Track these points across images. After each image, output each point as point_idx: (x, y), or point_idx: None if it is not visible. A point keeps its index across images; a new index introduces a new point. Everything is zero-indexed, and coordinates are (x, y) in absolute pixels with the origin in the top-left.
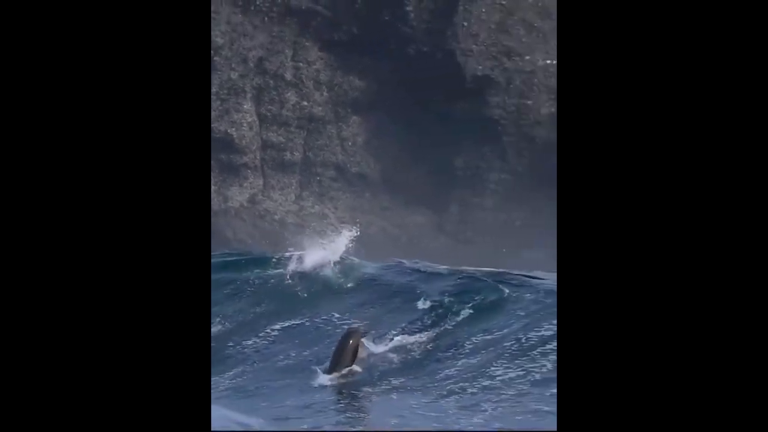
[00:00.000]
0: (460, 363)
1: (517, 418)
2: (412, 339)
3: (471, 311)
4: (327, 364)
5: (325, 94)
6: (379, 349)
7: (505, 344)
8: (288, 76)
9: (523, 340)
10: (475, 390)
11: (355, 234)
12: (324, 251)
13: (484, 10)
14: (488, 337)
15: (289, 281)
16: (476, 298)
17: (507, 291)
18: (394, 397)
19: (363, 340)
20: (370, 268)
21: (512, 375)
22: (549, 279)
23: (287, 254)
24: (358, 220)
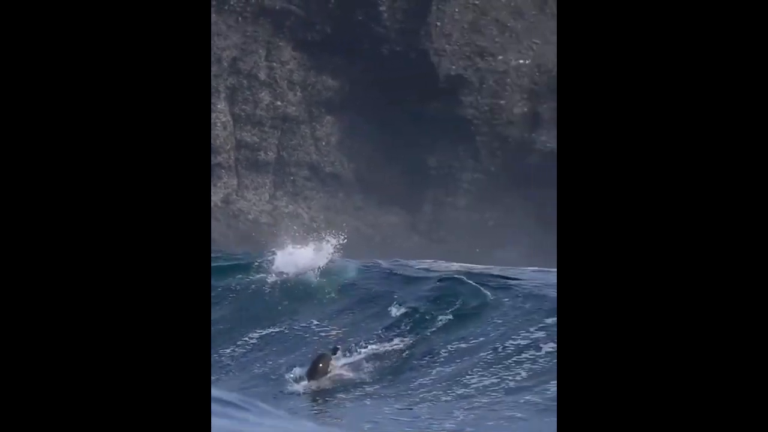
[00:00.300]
0: (434, 371)
1: (488, 423)
2: (388, 346)
3: (449, 317)
4: (301, 370)
5: (298, 93)
6: (355, 357)
7: (481, 353)
8: (262, 75)
9: (500, 349)
10: (448, 398)
11: (342, 241)
12: (308, 256)
13: (457, 10)
14: (464, 345)
15: (270, 287)
16: (456, 304)
17: (486, 295)
18: (368, 403)
19: (332, 360)
20: (352, 271)
21: (486, 383)
22: (527, 279)
23: (269, 258)
24: (345, 224)
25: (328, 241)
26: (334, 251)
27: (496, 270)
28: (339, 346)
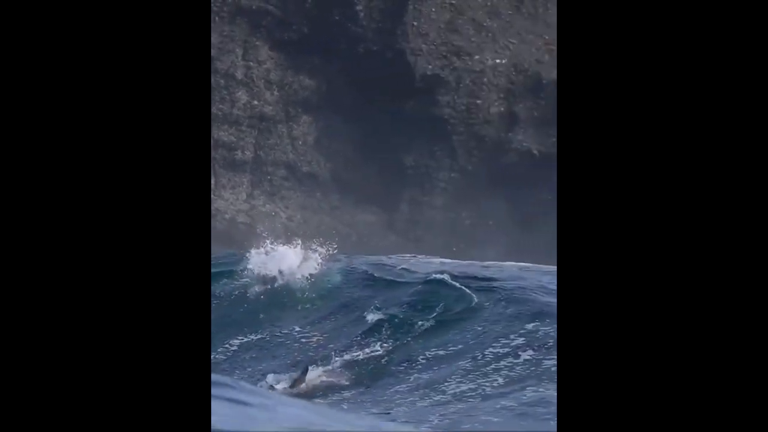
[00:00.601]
0: (412, 378)
1: (464, 426)
2: (368, 352)
3: (431, 323)
4: (274, 377)
5: (275, 93)
6: (332, 365)
7: (460, 362)
8: (239, 75)
9: (479, 357)
10: (425, 403)
11: (332, 251)
12: (293, 259)
13: (433, 9)
14: (442, 352)
15: (254, 293)
16: (437, 309)
17: (468, 300)
18: (345, 407)
19: (305, 379)
20: (335, 275)
21: (463, 388)
22: (509, 279)
23: (253, 262)
24: (334, 231)
25: (315, 250)
26: (323, 261)
27: (478, 266)
28: (309, 366)
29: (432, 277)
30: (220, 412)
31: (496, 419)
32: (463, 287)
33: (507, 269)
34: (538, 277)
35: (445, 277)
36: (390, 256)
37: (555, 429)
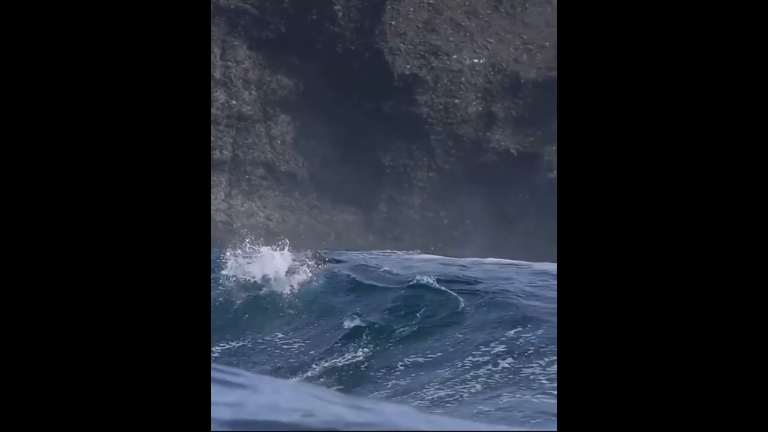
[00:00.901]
0: (390, 384)
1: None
2: (348, 358)
3: (413, 329)
4: None
5: (253, 92)
6: (312, 372)
7: (438, 369)
8: (217, 75)
9: (458, 365)
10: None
11: (323, 265)
12: (281, 264)
13: (411, 9)
14: (421, 359)
15: (237, 299)
16: (418, 315)
17: (452, 305)
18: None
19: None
20: (320, 279)
21: (441, 395)
22: (492, 280)
23: (236, 266)
24: (324, 242)
25: (305, 261)
26: (311, 272)
27: (460, 264)
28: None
29: (415, 281)
30: (221, 402)
31: (473, 423)
32: (448, 290)
33: (488, 267)
34: (520, 277)
35: (429, 280)
36: (371, 252)
37: (547, 429)
